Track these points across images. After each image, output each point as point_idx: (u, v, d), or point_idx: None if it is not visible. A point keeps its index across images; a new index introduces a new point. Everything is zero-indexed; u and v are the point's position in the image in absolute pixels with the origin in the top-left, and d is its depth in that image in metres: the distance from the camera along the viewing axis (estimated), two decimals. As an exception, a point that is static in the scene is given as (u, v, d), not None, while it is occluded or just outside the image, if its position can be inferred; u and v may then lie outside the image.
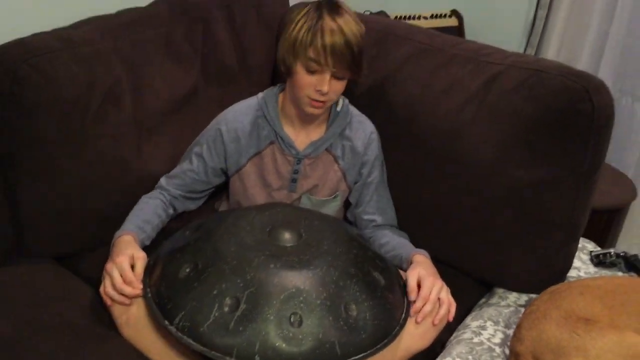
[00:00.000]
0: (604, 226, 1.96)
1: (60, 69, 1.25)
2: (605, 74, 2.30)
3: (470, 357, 1.25)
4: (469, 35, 2.50)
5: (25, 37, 1.28)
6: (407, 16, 2.43)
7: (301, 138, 1.41)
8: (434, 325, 1.22)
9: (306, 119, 1.40)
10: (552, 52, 2.36)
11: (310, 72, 1.28)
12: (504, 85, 1.32)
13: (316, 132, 1.42)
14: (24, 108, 1.23)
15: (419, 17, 2.43)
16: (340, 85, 1.32)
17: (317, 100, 1.31)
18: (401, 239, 1.43)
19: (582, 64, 2.33)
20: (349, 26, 1.26)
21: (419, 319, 1.20)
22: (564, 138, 1.25)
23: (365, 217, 1.48)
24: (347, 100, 1.45)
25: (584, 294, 1.19)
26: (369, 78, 1.51)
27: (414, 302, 1.22)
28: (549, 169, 1.28)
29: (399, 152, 1.47)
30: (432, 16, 2.45)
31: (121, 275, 1.17)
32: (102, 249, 1.43)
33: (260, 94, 1.44)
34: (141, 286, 1.17)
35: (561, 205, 1.31)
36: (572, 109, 1.23)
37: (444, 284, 1.25)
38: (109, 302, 1.18)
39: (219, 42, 1.61)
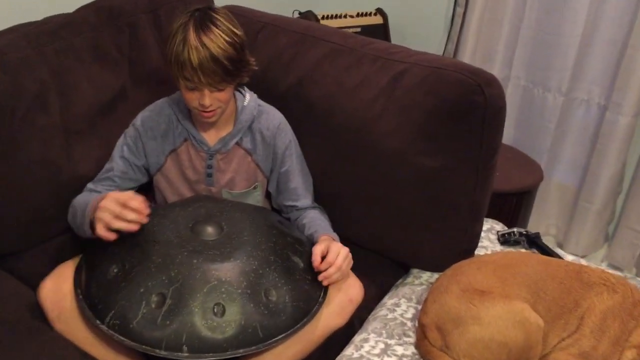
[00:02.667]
0: (514, 208, 2.11)
1: (-15, 76, 1.31)
2: (518, 67, 2.46)
3: (384, 331, 1.37)
4: (394, 32, 2.62)
5: (-50, 46, 1.33)
6: (334, 15, 2.53)
7: (211, 135, 1.49)
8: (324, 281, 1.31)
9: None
10: (470, 47, 2.50)
11: (190, 89, 1.34)
12: (408, 81, 1.44)
13: (224, 129, 1.49)
14: (-49, 115, 1.28)
15: (345, 16, 2.54)
16: (224, 95, 1.36)
17: (205, 111, 1.37)
18: (318, 221, 1.51)
19: (497, 58, 2.48)
20: (216, 41, 1.28)
21: (325, 283, 1.31)
22: (460, 128, 1.38)
23: (287, 203, 1.56)
24: (254, 95, 1.52)
25: (481, 269, 1.33)
26: (289, 76, 1.61)
27: (321, 270, 1.30)
28: (450, 156, 1.40)
29: (318, 144, 1.57)
30: (358, 15, 2.56)
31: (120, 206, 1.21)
32: (37, 249, 1.51)
33: (173, 95, 1.51)
34: (147, 208, 1.22)
35: (463, 190, 1.44)
36: (467, 101, 1.36)
37: (348, 251, 1.34)
38: (112, 236, 1.22)
39: (146, 45, 1.67)
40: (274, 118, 1.53)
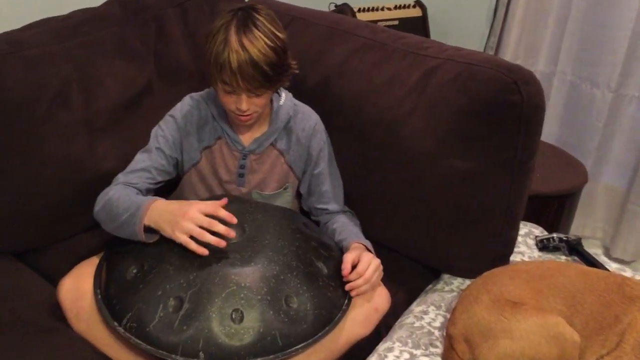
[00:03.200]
0: (556, 211, 2.00)
1: (6, 72, 1.30)
2: (564, 61, 2.35)
3: (409, 340, 1.30)
4: (433, 25, 2.53)
5: (-28, 41, 1.32)
6: (371, 8, 2.46)
7: (246, 134, 1.44)
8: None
9: None
10: (513, 40, 2.39)
11: (227, 92, 1.29)
12: (440, 78, 1.36)
13: (260, 129, 1.44)
14: (-29, 112, 1.28)
15: (382, 9, 2.46)
16: (261, 100, 1.31)
17: (241, 115, 1.32)
18: (349, 227, 1.45)
19: (542, 52, 2.37)
20: (256, 45, 1.23)
21: (352, 294, 1.26)
22: (494, 128, 1.30)
23: (318, 206, 1.51)
24: (289, 94, 1.47)
25: (514, 279, 1.24)
26: (317, 72, 1.55)
27: (350, 280, 1.26)
28: (482, 158, 1.32)
29: (346, 142, 1.51)
30: (395, 7, 2.48)
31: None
32: (60, 245, 1.50)
33: (208, 90, 1.45)
34: (234, 218, 1.18)
35: (496, 194, 1.36)
36: (502, 100, 1.27)
37: (380, 263, 1.29)
38: (205, 251, 1.16)
39: (173, 40, 1.64)
40: (309, 119, 1.47)
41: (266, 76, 1.25)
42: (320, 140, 1.48)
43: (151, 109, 1.57)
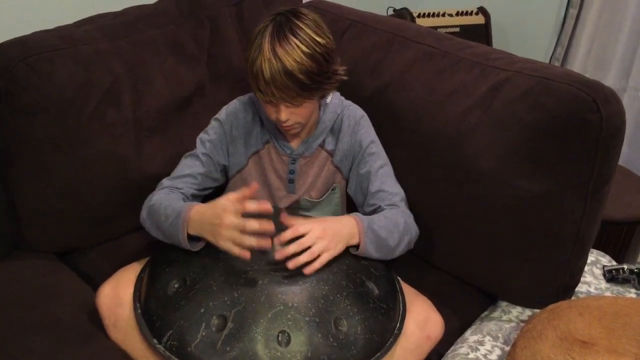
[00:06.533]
0: (623, 238, 1.86)
1: (57, 68, 1.26)
2: (637, 76, 2.21)
3: (463, 373, 1.21)
4: (496, 33, 2.42)
5: (24, 35, 1.29)
6: (432, 13, 2.37)
7: (295, 138, 1.37)
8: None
9: None
10: (582, 52, 2.26)
11: (265, 102, 1.23)
12: (510, 92, 1.26)
13: (306, 130, 1.37)
14: (20, 107, 1.24)
15: (443, 14, 2.37)
16: (302, 110, 1.24)
17: (283, 125, 1.26)
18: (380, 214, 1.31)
19: (613, 66, 2.24)
20: (291, 53, 1.15)
21: (277, 256, 1.13)
22: (569, 149, 1.19)
23: (369, 209, 1.38)
24: (337, 93, 1.39)
25: (584, 315, 1.14)
26: (375, 80, 1.47)
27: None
28: (554, 181, 1.22)
29: (402, 156, 1.42)
30: (457, 13, 2.39)
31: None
32: (103, 246, 1.47)
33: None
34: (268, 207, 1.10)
35: (567, 219, 1.25)
36: (579, 119, 1.17)
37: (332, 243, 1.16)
38: (247, 254, 1.10)
39: (228, 40, 1.59)
40: (355, 114, 1.39)
41: (303, 86, 1.18)
42: (366, 135, 1.37)
43: (201, 112, 1.52)
